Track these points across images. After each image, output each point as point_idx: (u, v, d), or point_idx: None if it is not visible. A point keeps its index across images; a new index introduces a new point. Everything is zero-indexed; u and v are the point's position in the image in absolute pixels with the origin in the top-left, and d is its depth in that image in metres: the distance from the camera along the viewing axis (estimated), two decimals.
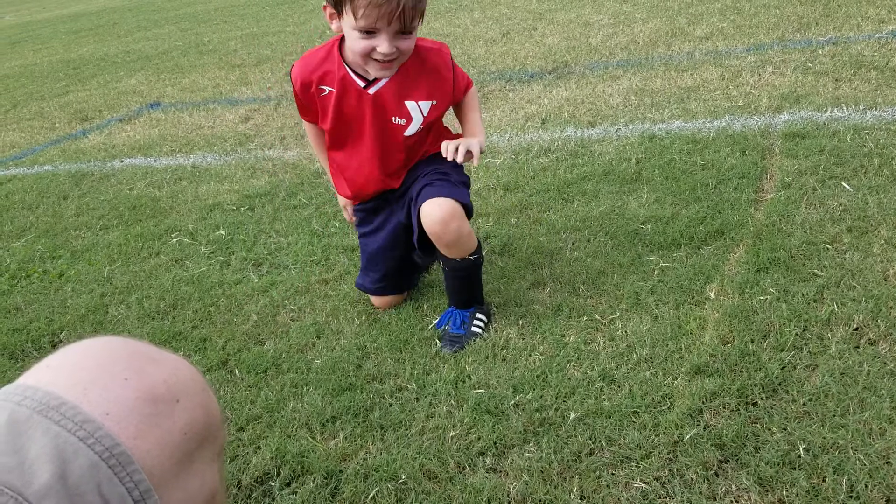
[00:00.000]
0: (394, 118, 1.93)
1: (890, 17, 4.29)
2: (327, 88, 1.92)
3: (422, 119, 1.94)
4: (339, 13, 1.78)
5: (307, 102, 1.99)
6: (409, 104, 1.92)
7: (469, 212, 1.97)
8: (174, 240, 3.00)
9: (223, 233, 2.98)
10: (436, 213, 1.88)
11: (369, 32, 1.75)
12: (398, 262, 2.18)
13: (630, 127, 3.35)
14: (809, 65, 3.72)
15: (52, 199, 3.74)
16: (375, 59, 1.79)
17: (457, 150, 1.85)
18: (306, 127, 2.12)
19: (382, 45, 1.75)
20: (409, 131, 1.95)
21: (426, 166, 2.04)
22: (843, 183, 2.47)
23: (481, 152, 1.88)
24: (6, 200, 3.85)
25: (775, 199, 2.42)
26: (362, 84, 1.90)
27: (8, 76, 8.06)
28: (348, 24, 1.76)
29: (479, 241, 2.02)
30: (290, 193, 3.27)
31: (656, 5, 5.76)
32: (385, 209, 2.15)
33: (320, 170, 3.50)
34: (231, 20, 9.44)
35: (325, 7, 1.83)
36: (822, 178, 2.52)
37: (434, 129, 2.05)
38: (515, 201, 2.80)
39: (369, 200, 2.14)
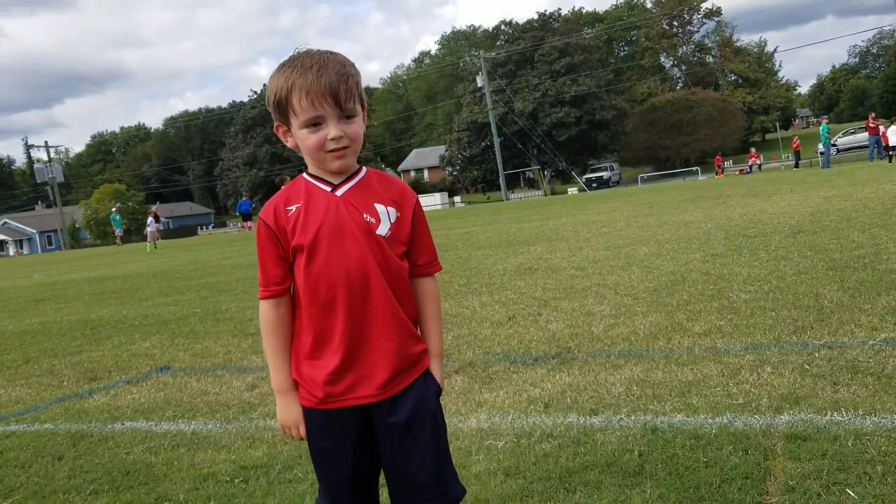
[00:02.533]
0: (365, 215, 1.90)
1: (882, 325, 4.46)
2: (294, 206, 1.92)
3: (389, 224, 1.92)
4: (287, 122, 1.91)
5: (279, 237, 1.91)
6: (377, 206, 1.92)
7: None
8: None
9: None
10: None
11: (315, 125, 1.85)
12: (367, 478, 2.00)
13: (632, 417, 3.37)
14: (807, 367, 3.81)
15: (46, 459, 3.69)
16: (329, 151, 1.86)
17: None
18: (266, 312, 1.96)
19: (331, 130, 1.84)
20: (381, 230, 1.90)
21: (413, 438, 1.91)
22: (848, 490, 2.43)
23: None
24: (0, 458, 3.79)
25: None
26: (328, 188, 1.92)
27: (26, 332, 8.29)
28: (297, 127, 1.87)
29: None
30: (287, 467, 3.23)
31: (656, 300, 6.03)
32: (351, 431, 1.93)
33: None
34: (251, 291, 9.88)
35: (277, 128, 1.96)
36: (826, 484, 2.48)
37: (402, 276, 1.96)
38: (517, 488, 2.75)
39: (336, 414, 1.91)
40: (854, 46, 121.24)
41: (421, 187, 75.09)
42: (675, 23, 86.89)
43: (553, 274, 8.21)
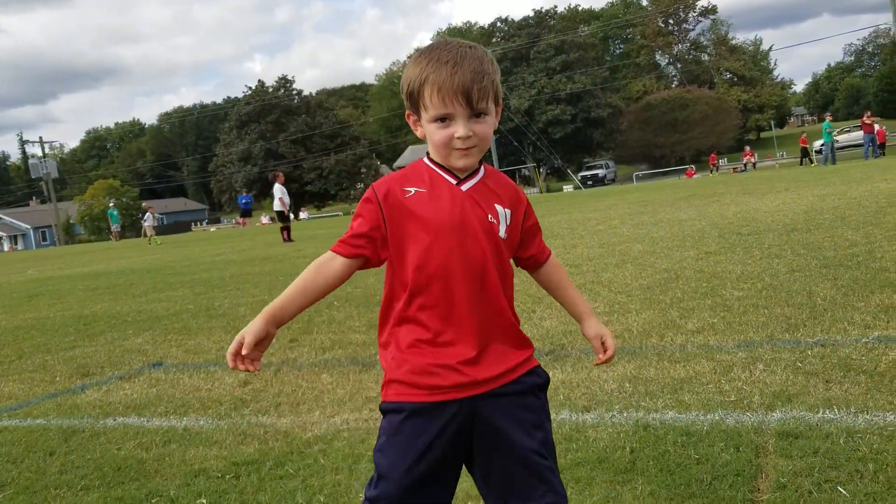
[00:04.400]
0: (489, 215, 1.86)
1: (875, 322, 4.47)
2: (413, 189, 1.86)
3: (506, 226, 1.89)
4: (417, 113, 1.88)
5: (384, 214, 1.84)
6: (497, 206, 1.89)
7: None
8: None
9: (204, 501, 2.90)
10: None
11: (444, 120, 1.81)
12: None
13: (624, 414, 3.37)
14: (799, 364, 3.82)
15: (38, 455, 3.67)
16: (456, 148, 1.83)
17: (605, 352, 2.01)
18: (324, 258, 1.88)
19: (459, 129, 1.80)
20: (500, 232, 1.87)
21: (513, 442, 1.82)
22: (840, 488, 2.44)
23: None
24: None
25: (771, 501, 2.37)
26: (454, 181, 1.88)
27: (19, 327, 8.27)
28: (426, 120, 1.84)
29: None
30: (278, 463, 3.22)
31: (649, 298, 6.04)
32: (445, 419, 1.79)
33: (312, 439, 3.48)
34: (244, 287, 9.86)
35: (408, 115, 1.92)
36: (817, 482, 2.48)
37: (511, 280, 1.93)
38: None
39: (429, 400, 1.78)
40: (850, 45, 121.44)
41: None
42: (671, 21, 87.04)
43: None
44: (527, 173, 71.21)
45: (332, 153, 71.98)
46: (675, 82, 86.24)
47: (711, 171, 53.85)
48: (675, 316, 5.27)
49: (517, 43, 71.32)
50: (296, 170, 69.10)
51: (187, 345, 6.20)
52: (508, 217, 1.90)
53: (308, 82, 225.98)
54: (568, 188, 57.89)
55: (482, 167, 1.93)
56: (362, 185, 73.43)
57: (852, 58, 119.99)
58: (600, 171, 64.22)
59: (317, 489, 2.90)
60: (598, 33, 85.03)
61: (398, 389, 1.80)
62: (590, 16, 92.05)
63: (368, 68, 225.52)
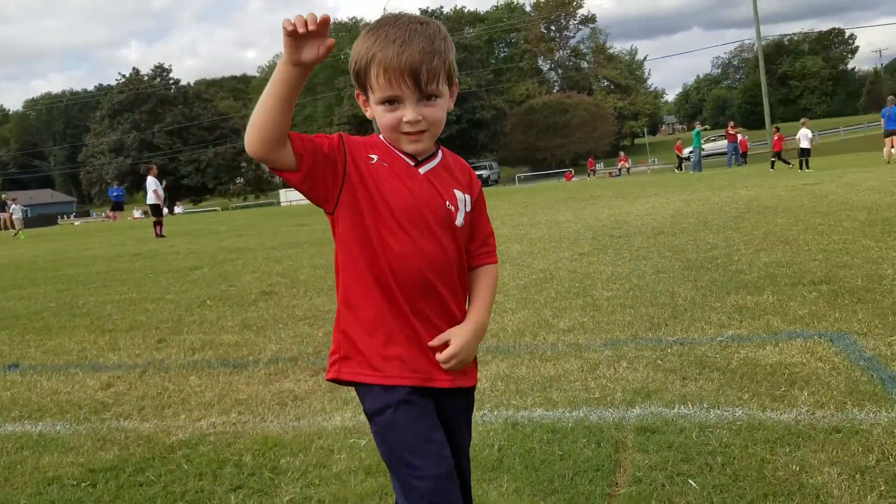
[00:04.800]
0: (447, 202, 1.77)
1: (730, 322, 4.74)
2: (376, 157, 1.75)
3: (465, 213, 1.81)
4: (365, 93, 1.77)
5: (348, 160, 1.72)
6: (457, 192, 1.80)
7: None
8: None
9: None
10: None
11: (392, 103, 1.71)
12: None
13: (495, 413, 3.43)
14: (660, 362, 4.00)
15: None
16: (405, 133, 1.73)
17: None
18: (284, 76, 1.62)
19: (407, 113, 1.70)
20: (458, 221, 1.79)
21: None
22: (690, 480, 2.57)
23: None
24: None
25: (627, 495, 2.48)
26: (411, 162, 1.78)
27: None
28: (374, 101, 1.74)
29: None
30: (138, 469, 3.09)
31: (525, 297, 6.17)
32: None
33: (175, 444, 3.35)
34: (111, 285, 9.41)
35: (357, 95, 1.81)
36: (670, 475, 2.61)
37: (465, 270, 1.85)
38: (376, 486, 2.74)
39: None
40: (717, 58, 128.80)
41: None
42: (553, 27, 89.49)
43: None
44: None
45: (210, 146, 69.85)
46: (557, 87, 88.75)
47: (589, 175, 55.77)
48: (549, 315, 5.41)
49: None
50: (172, 162, 66.69)
51: (47, 345, 5.86)
52: (467, 203, 1.82)
53: (186, 72, 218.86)
54: None
55: (440, 151, 1.85)
56: (241, 179, 71.58)
57: (719, 70, 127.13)
58: (484, 172, 65.20)
59: (178, 496, 2.80)
60: (483, 36, 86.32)
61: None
62: (475, 18, 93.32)
63: (251, 60, 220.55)
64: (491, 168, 67.69)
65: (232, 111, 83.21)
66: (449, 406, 1.82)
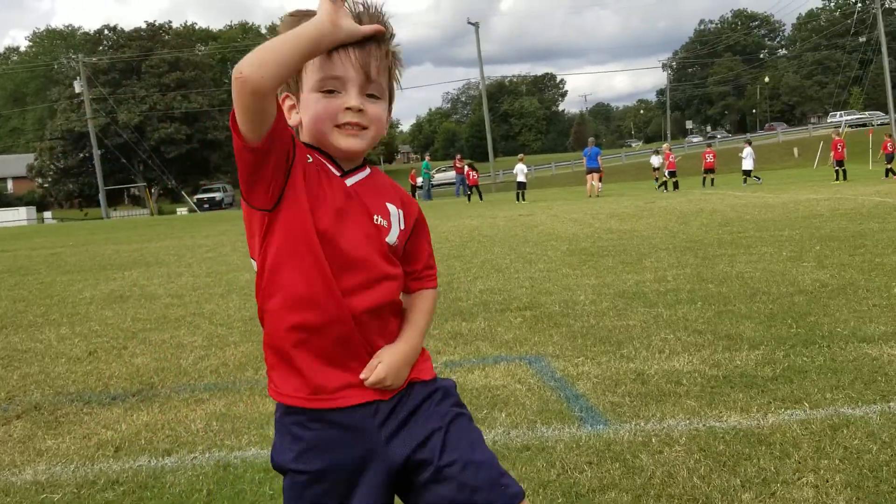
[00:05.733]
0: (375, 216, 1.56)
1: (445, 348, 5.03)
2: (311, 158, 1.52)
3: (398, 231, 1.60)
4: (298, 82, 1.54)
5: (297, 155, 1.49)
6: (389, 206, 1.60)
7: None
8: None
9: None
10: None
11: (332, 91, 1.51)
12: None
13: (207, 455, 3.33)
14: None
15: None
16: (341, 126, 1.52)
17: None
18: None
19: (351, 99, 1.50)
20: (390, 238, 1.58)
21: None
22: None
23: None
24: None
25: None
26: (338, 173, 1.56)
27: None
28: (308, 87, 1.52)
29: None
30: None
31: (250, 329, 6.06)
32: (349, 448, 1.54)
33: None
34: None
35: (284, 98, 1.58)
36: None
37: (395, 299, 1.64)
38: None
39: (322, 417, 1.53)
40: (447, 93, 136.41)
41: (2, 200, 66.37)
42: None
43: (147, 302, 7.81)
44: (137, 193, 67.22)
45: None
46: None
47: None
48: None
49: (127, 54, 67.15)
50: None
51: None
52: (402, 219, 1.62)
53: None
54: (182, 211, 55.83)
55: (366, 166, 1.64)
56: None
57: (449, 105, 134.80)
58: (217, 195, 62.95)
59: None
60: (215, 54, 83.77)
61: None
62: (207, 36, 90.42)
63: None
64: (224, 191, 65.61)
65: None
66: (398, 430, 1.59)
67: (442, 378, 1.69)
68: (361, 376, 1.54)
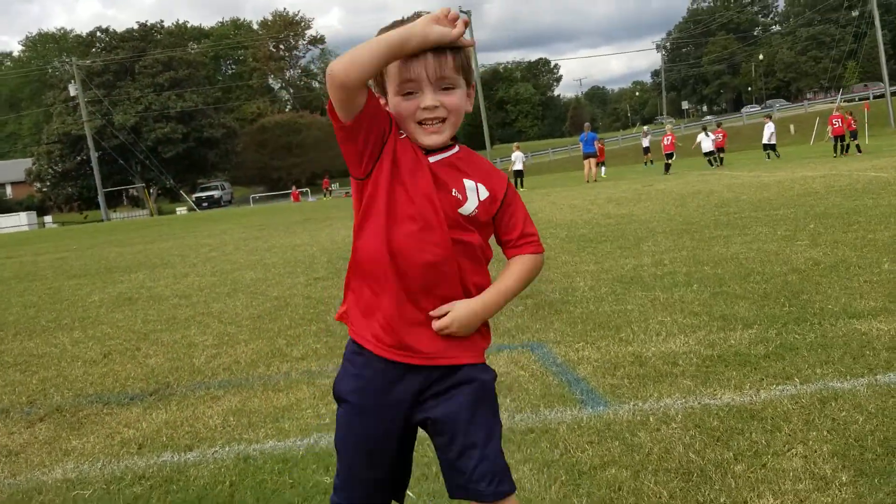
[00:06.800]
0: (453, 190, 1.75)
1: None
2: (405, 135, 1.77)
3: (476, 203, 1.77)
4: (383, 86, 1.77)
5: (394, 131, 1.75)
6: (467, 182, 1.78)
7: None
8: None
9: None
10: None
11: (411, 93, 1.72)
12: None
13: (227, 449, 3.49)
14: None
15: None
16: (422, 123, 1.73)
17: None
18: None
19: (426, 99, 1.71)
20: (465, 209, 1.76)
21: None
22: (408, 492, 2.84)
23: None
24: None
25: None
26: (423, 152, 1.78)
27: None
28: (391, 92, 1.74)
29: None
30: None
31: (259, 327, 6.22)
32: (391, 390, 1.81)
33: None
34: None
35: (378, 98, 1.77)
36: None
37: (477, 257, 1.82)
38: None
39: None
40: None
41: (2, 205, 66.47)
42: (282, 46, 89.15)
43: (155, 304, 7.97)
44: (135, 194, 67.31)
45: None
46: (289, 106, 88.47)
47: (325, 195, 56.20)
48: (283, 344, 5.52)
49: (120, 55, 67.11)
50: None
51: None
52: (483, 194, 1.80)
53: None
54: (182, 210, 56.00)
55: (456, 146, 1.83)
56: None
57: None
58: (216, 193, 63.18)
59: None
60: (208, 52, 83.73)
61: None
62: (199, 34, 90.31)
63: None
64: (223, 188, 65.77)
65: None
66: (442, 397, 1.82)
67: (488, 368, 1.89)
68: (432, 313, 1.76)
